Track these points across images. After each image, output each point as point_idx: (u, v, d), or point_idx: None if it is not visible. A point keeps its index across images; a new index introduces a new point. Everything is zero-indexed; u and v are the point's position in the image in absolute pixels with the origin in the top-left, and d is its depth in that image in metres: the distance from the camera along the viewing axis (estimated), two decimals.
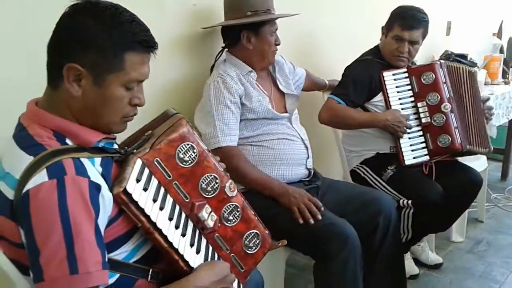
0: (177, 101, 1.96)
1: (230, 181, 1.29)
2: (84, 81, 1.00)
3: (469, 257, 2.68)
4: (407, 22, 2.28)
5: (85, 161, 0.99)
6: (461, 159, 2.48)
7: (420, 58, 3.56)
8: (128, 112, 1.09)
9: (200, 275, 1.08)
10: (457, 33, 3.95)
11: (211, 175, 1.23)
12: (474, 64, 3.52)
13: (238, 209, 1.30)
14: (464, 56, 3.60)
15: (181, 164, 1.17)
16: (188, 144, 1.18)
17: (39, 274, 0.88)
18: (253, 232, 1.34)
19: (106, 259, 0.94)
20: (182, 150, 1.17)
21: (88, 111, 1.04)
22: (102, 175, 1.01)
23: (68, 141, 1.02)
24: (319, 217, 1.70)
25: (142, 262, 1.11)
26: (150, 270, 1.11)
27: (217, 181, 1.24)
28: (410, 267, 2.46)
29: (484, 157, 2.94)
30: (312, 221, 1.69)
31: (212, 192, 1.23)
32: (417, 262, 2.55)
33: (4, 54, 1.42)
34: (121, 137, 1.25)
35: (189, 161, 1.18)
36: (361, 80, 2.30)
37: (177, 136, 1.16)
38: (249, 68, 1.93)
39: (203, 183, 1.21)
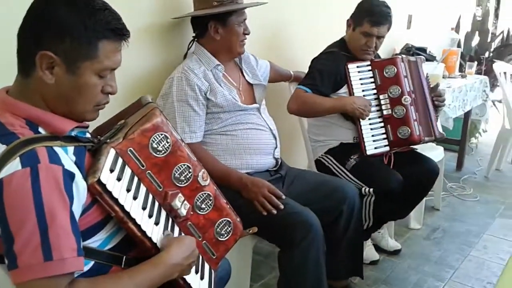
0: (148, 91, 1.94)
1: (203, 170, 1.31)
2: (57, 69, 1.00)
3: (426, 244, 2.80)
4: (376, 18, 2.33)
5: (59, 150, 0.99)
6: (419, 150, 2.58)
7: (381, 51, 3.63)
8: (100, 100, 1.09)
9: (171, 252, 1.09)
10: (417, 27, 4.06)
11: (184, 165, 1.24)
12: (433, 58, 3.66)
13: (211, 198, 1.32)
14: (423, 50, 3.75)
15: (154, 154, 1.17)
16: (161, 134, 1.18)
17: (13, 261, 0.88)
18: (225, 220, 1.36)
19: (81, 246, 0.95)
20: (156, 140, 1.17)
21: (61, 99, 1.03)
22: (76, 163, 1.01)
23: (41, 129, 1.01)
24: (281, 206, 1.74)
25: (116, 249, 1.12)
26: (124, 258, 1.12)
27: (190, 170, 1.26)
28: (371, 253, 2.56)
29: (441, 148, 3.06)
30: (274, 212, 1.73)
31: (185, 181, 1.25)
32: (377, 248, 2.64)
33: None
34: (92, 125, 1.25)
35: (163, 151, 1.19)
36: (328, 71, 2.35)
37: (150, 126, 1.17)
38: (217, 61, 1.94)
39: (176, 172, 1.23)
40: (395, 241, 2.72)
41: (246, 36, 1.98)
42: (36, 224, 0.88)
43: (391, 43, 3.77)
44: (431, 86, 2.55)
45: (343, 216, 1.99)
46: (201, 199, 1.30)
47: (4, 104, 1.02)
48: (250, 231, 1.50)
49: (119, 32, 1.05)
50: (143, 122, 1.17)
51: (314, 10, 2.94)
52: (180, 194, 1.23)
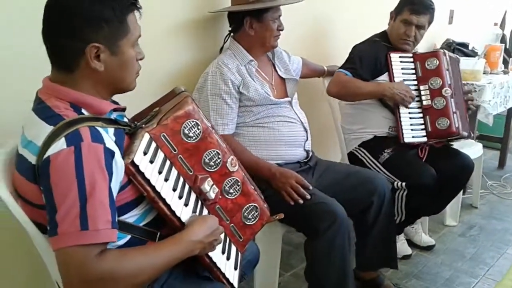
0: (184, 84, 2.01)
1: (232, 156, 1.37)
2: (103, 56, 1.10)
3: (461, 240, 2.77)
4: (416, 7, 2.38)
5: (100, 130, 1.07)
6: (456, 146, 2.56)
7: (422, 46, 3.61)
8: (138, 68, 1.21)
9: (193, 229, 1.16)
10: (459, 22, 4.00)
11: (214, 151, 1.31)
12: (475, 53, 3.59)
13: (239, 183, 1.39)
14: (465, 45, 3.68)
15: (186, 140, 1.25)
16: (193, 121, 1.26)
17: (54, 229, 0.97)
18: (252, 205, 1.42)
19: (116, 220, 1.03)
20: (187, 127, 1.25)
21: (112, 80, 1.14)
22: (116, 143, 1.10)
23: (83, 111, 1.11)
24: (308, 197, 1.79)
25: (150, 226, 1.20)
26: (158, 234, 1.20)
27: (220, 156, 1.32)
28: (404, 247, 2.56)
29: (480, 145, 3.02)
30: (301, 201, 1.78)
31: (214, 166, 1.32)
32: (411, 243, 2.64)
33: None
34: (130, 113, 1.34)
35: (194, 137, 1.26)
36: (368, 57, 2.39)
37: (182, 113, 1.24)
38: (250, 57, 2.01)
39: (206, 157, 1.30)
40: (429, 236, 2.71)
41: (281, 32, 2.03)
42: (77, 196, 0.96)
43: (431, 38, 3.73)
44: (465, 88, 2.57)
45: (373, 208, 2.01)
46: (230, 184, 1.36)
47: (49, 89, 1.12)
48: (277, 217, 1.56)
49: (136, 3, 1.15)
50: (176, 110, 1.25)
51: (354, 6, 2.96)
52: (209, 179, 1.30)
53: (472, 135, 2.55)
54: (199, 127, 1.27)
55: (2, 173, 1.16)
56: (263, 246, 1.94)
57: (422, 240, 2.66)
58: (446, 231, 2.87)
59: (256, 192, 1.45)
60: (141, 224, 1.18)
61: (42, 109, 1.09)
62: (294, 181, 1.83)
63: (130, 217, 1.16)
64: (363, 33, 2.58)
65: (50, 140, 1.01)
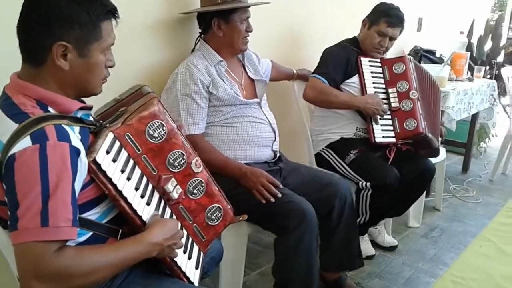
0: (154, 84, 2.05)
1: (197, 158, 1.40)
2: (70, 55, 1.11)
3: (423, 242, 2.86)
4: (392, 20, 2.48)
5: (67, 128, 1.08)
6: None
7: (390, 52, 3.71)
8: (105, 74, 1.22)
9: (153, 231, 1.18)
10: (428, 30, 4.10)
11: (178, 152, 1.33)
12: (441, 60, 3.70)
13: (203, 184, 1.41)
14: (432, 52, 3.79)
15: (150, 140, 1.27)
16: (158, 122, 1.27)
17: (15, 224, 0.98)
18: (215, 206, 1.45)
19: (77, 218, 1.04)
20: (152, 127, 1.27)
21: (76, 81, 1.15)
22: (81, 141, 1.11)
23: (50, 109, 1.11)
24: (279, 195, 1.83)
25: (113, 223, 1.21)
26: (120, 231, 1.22)
27: (184, 157, 1.35)
28: (367, 248, 2.62)
29: (443, 149, 3.11)
30: (272, 200, 1.82)
31: (178, 167, 1.34)
32: (374, 244, 2.71)
33: None
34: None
35: (158, 138, 1.28)
36: (340, 60, 2.48)
37: (147, 114, 1.26)
38: (220, 58, 2.03)
39: (171, 158, 1.32)
40: (392, 237, 2.78)
41: (249, 33, 2.06)
42: (40, 193, 0.98)
43: (400, 44, 3.79)
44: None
45: (335, 211, 2.06)
46: (193, 184, 1.39)
47: (17, 86, 1.12)
48: (240, 218, 1.59)
49: (113, 12, 1.17)
50: (141, 110, 1.27)
51: (327, 8, 3.02)
52: (173, 179, 1.32)
53: (439, 150, 2.65)
54: (164, 128, 1.29)
55: None
56: (229, 244, 1.97)
57: (385, 241, 2.73)
58: (409, 232, 2.96)
59: (220, 193, 1.48)
60: (103, 221, 1.20)
61: (8, 106, 1.09)
62: (265, 180, 1.87)
63: (92, 215, 1.17)
64: (333, 38, 2.65)
65: (15, 137, 1.01)
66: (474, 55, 4.61)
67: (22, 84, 1.12)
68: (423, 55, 3.70)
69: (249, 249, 2.34)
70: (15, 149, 1.00)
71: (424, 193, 2.93)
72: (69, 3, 1.09)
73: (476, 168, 4.13)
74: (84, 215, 1.14)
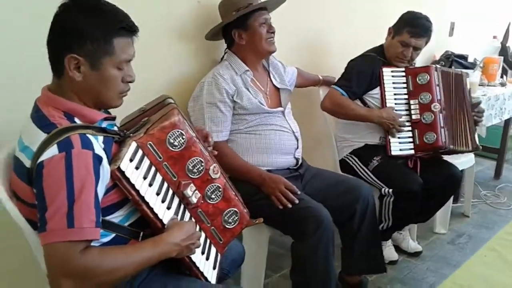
0: (181, 93, 2.16)
1: (214, 164, 1.48)
2: (83, 68, 1.20)
3: (449, 248, 2.85)
4: (416, 30, 2.46)
5: (91, 137, 1.19)
6: (446, 156, 2.65)
7: (421, 57, 3.71)
8: (122, 88, 1.29)
9: (172, 233, 1.27)
10: (460, 34, 4.06)
11: (197, 159, 1.42)
12: (473, 65, 3.66)
13: (220, 189, 1.49)
14: (463, 57, 3.75)
15: (171, 148, 1.36)
16: (178, 131, 1.37)
17: (43, 226, 1.08)
18: (232, 210, 1.53)
19: (100, 220, 1.14)
20: (172, 136, 1.36)
21: (90, 92, 1.24)
22: (104, 150, 1.21)
23: (76, 119, 1.22)
24: (296, 201, 1.89)
25: (134, 226, 1.31)
26: (141, 233, 1.31)
27: (202, 164, 1.43)
28: (390, 253, 2.65)
29: (472, 155, 3.09)
30: (289, 206, 1.88)
31: (197, 173, 1.43)
32: (398, 249, 2.73)
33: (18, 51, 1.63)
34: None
35: (178, 146, 1.37)
36: (364, 73, 2.50)
37: (168, 124, 1.35)
38: (246, 67, 2.11)
39: (190, 165, 1.41)
40: (417, 243, 2.79)
41: (272, 34, 2.12)
42: (66, 198, 1.08)
43: (431, 49, 3.82)
44: (473, 102, 2.65)
45: (357, 215, 2.10)
46: (211, 190, 1.47)
47: (47, 98, 1.24)
48: (257, 221, 1.66)
49: (129, 29, 1.24)
50: (162, 120, 1.36)
51: (353, 18, 3.06)
52: (192, 184, 1.41)
53: (480, 147, 2.63)
54: (184, 137, 1.38)
55: (1, 174, 1.28)
56: (251, 247, 2.06)
57: (410, 246, 2.75)
58: (435, 238, 2.95)
59: (236, 198, 1.56)
60: (125, 224, 1.30)
61: (39, 118, 1.20)
62: (283, 186, 1.93)
63: (115, 217, 1.27)
64: (359, 46, 2.68)
65: (43, 146, 1.12)
66: (510, 59, 4.51)
67: (51, 96, 1.23)
68: (455, 60, 3.67)
69: (272, 252, 2.42)
70: (44, 156, 1.11)
71: (452, 199, 2.92)
72: (83, 18, 1.18)
73: (509, 174, 4.06)
74: (107, 218, 1.24)
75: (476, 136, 2.63)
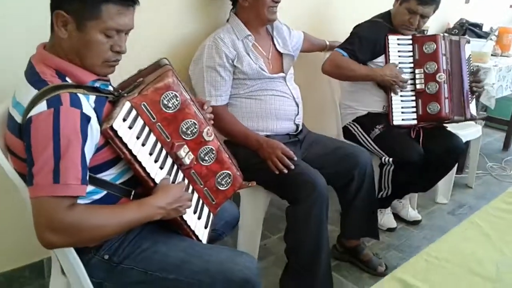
0: (184, 55, 2.16)
1: (208, 127, 1.50)
2: (69, 26, 1.22)
3: (448, 218, 2.87)
4: None
5: (81, 96, 1.21)
6: (453, 126, 2.63)
7: (435, 24, 3.65)
8: (109, 57, 1.28)
9: (157, 196, 1.30)
10: (477, 2, 3.95)
11: (190, 121, 1.44)
12: (487, 35, 3.58)
13: (214, 152, 1.52)
14: (478, 26, 3.67)
15: (164, 109, 1.38)
16: (172, 93, 1.38)
17: (31, 180, 1.12)
18: (225, 172, 1.56)
19: (86, 177, 1.17)
20: (166, 98, 1.38)
21: (74, 52, 1.25)
22: (94, 109, 1.23)
23: (68, 79, 1.25)
24: (292, 167, 1.91)
25: (126, 184, 1.35)
26: (133, 192, 1.35)
27: (196, 126, 1.45)
28: (389, 220, 2.68)
29: (479, 126, 3.07)
30: (285, 171, 1.91)
31: (191, 135, 1.45)
32: (398, 217, 2.77)
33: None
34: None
35: (172, 107, 1.39)
36: (367, 39, 2.46)
37: (162, 85, 1.37)
38: (248, 32, 2.09)
39: (184, 127, 1.43)
40: (417, 212, 2.82)
41: (276, 3, 2.09)
42: (52, 153, 1.11)
43: (445, 17, 3.73)
44: (473, 70, 2.59)
45: (355, 181, 2.13)
46: (205, 152, 1.50)
47: (40, 56, 1.27)
48: (249, 184, 1.69)
49: None
50: (157, 81, 1.38)
51: None
52: (185, 146, 1.44)
53: (476, 117, 2.61)
54: (178, 99, 1.40)
55: None
56: (249, 209, 2.11)
57: (409, 215, 2.78)
58: (435, 208, 2.97)
59: (230, 161, 1.58)
60: (117, 182, 1.33)
61: (31, 74, 1.23)
62: (280, 152, 1.95)
63: (108, 175, 1.31)
64: (366, 10, 2.64)
65: (34, 102, 1.15)
66: None
67: (43, 53, 1.25)
68: (468, 28, 3.59)
69: (272, 214, 2.48)
70: (33, 112, 1.14)
71: (455, 169, 2.92)
72: None
73: None
74: (99, 175, 1.28)
75: (473, 105, 2.59)
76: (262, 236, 2.37)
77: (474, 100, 2.61)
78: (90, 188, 1.26)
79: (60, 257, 1.35)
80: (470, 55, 2.61)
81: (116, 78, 1.45)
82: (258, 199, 2.10)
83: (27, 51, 1.32)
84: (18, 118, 1.19)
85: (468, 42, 2.62)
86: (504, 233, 1.51)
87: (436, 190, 2.98)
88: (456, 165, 2.94)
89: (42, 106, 1.14)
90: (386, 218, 2.66)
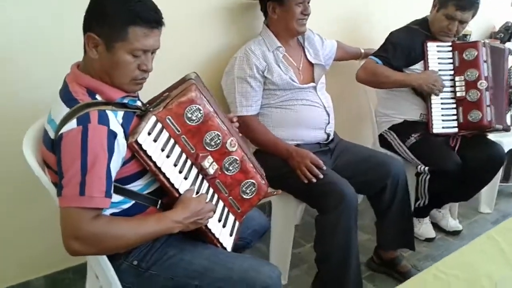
0: (217, 67, 2.23)
1: (232, 138, 1.55)
2: (99, 47, 1.31)
3: (491, 228, 2.76)
4: (462, 3, 2.36)
5: (109, 113, 1.30)
6: (496, 134, 2.56)
7: (480, 28, 3.56)
8: (136, 75, 1.36)
9: (176, 211, 1.36)
10: None
11: (214, 132, 1.49)
12: None
13: (238, 162, 1.57)
14: None
15: (188, 122, 1.44)
16: (195, 106, 1.44)
17: (60, 190, 1.21)
18: (250, 181, 1.60)
19: (111, 191, 1.25)
20: (190, 111, 1.44)
21: (104, 71, 1.34)
22: (122, 125, 1.32)
23: (98, 96, 1.33)
24: (321, 176, 1.93)
25: (153, 194, 1.42)
26: (160, 201, 1.42)
27: (220, 137, 1.51)
28: (428, 230, 2.63)
29: None
30: (314, 180, 1.93)
31: (214, 146, 1.51)
32: (438, 227, 2.71)
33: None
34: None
35: (196, 120, 1.45)
36: (402, 45, 2.44)
37: (186, 99, 1.43)
38: (278, 43, 2.14)
39: (207, 138, 1.49)
40: (457, 222, 2.74)
41: (306, 16, 2.13)
42: (79, 168, 1.20)
43: (491, 20, 3.63)
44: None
45: (387, 190, 2.12)
46: (229, 162, 1.55)
47: (73, 75, 1.37)
48: (275, 193, 1.73)
49: (147, 20, 1.31)
50: (180, 96, 1.44)
51: None
52: (209, 157, 1.50)
53: (509, 127, 2.52)
54: (201, 112, 1.46)
55: (32, 145, 1.42)
56: (280, 217, 2.14)
57: (449, 225, 2.71)
58: (478, 218, 2.89)
59: (254, 170, 1.62)
60: (144, 192, 1.41)
61: (65, 92, 1.33)
62: (309, 161, 1.98)
63: (135, 186, 1.39)
64: (402, 17, 2.62)
65: (65, 120, 1.25)
66: None
67: (77, 73, 1.35)
68: None
69: (307, 222, 2.50)
70: (64, 129, 1.23)
71: (498, 177, 2.83)
72: (110, 4, 1.28)
73: None
74: (127, 186, 1.36)
75: (509, 116, 2.52)
76: (296, 244, 2.40)
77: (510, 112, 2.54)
78: (119, 198, 1.35)
79: (93, 263, 1.44)
80: (511, 66, 2.54)
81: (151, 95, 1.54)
82: (289, 207, 2.13)
83: (63, 71, 1.42)
84: (52, 134, 1.29)
85: (511, 53, 2.55)
86: None
87: (479, 199, 2.89)
88: (501, 173, 2.85)
89: (72, 123, 1.23)
90: (424, 228, 2.61)
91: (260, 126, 2.10)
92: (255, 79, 2.08)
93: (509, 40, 3.45)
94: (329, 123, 2.21)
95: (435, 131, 2.43)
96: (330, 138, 2.22)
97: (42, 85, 1.79)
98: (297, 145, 2.10)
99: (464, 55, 2.44)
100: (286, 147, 2.05)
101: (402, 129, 2.52)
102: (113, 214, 1.35)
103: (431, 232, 2.63)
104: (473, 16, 2.43)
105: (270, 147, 2.06)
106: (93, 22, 1.30)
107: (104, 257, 1.38)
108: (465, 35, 3.25)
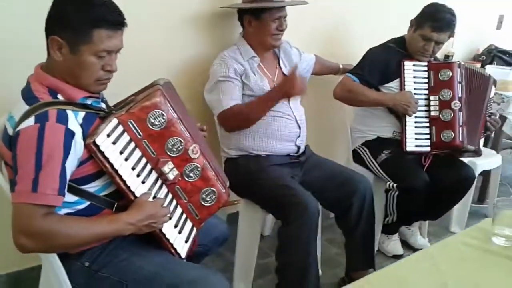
0: (193, 76, 2.24)
1: (195, 145, 1.56)
2: (64, 50, 1.32)
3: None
4: (437, 24, 2.39)
5: (69, 113, 1.31)
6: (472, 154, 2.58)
7: (465, 50, 3.60)
8: (101, 76, 1.38)
9: (130, 213, 1.37)
10: (509, 28, 3.86)
11: (176, 139, 1.50)
12: None
13: (199, 169, 1.57)
14: (507, 53, 3.59)
15: (151, 127, 1.45)
16: (159, 112, 1.45)
17: (13, 186, 1.22)
18: (210, 189, 1.61)
19: (65, 190, 1.26)
20: (153, 116, 1.44)
21: (68, 73, 1.35)
22: (81, 125, 1.32)
23: (59, 96, 1.34)
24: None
25: (109, 197, 1.43)
26: (116, 204, 1.43)
27: (182, 144, 1.51)
28: (396, 247, 2.65)
29: (499, 156, 2.99)
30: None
31: (176, 152, 1.51)
32: (406, 244, 2.73)
33: None
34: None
35: (158, 125, 1.46)
36: (378, 63, 2.48)
37: (149, 104, 1.44)
38: (253, 53, 2.16)
39: (169, 144, 1.49)
40: (427, 241, 2.76)
41: (281, 32, 2.15)
42: (34, 165, 1.21)
43: (476, 42, 3.68)
44: (492, 110, 2.58)
45: (354, 208, 2.13)
46: (190, 168, 1.55)
47: (36, 75, 1.38)
48: (235, 202, 1.74)
49: (111, 23, 1.33)
50: (145, 100, 1.45)
51: (373, 8, 3.03)
52: (170, 162, 1.50)
53: (481, 151, 2.56)
54: (164, 117, 1.46)
55: None
56: (245, 227, 2.15)
57: (417, 242, 2.73)
58: (448, 237, 2.89)
59: (216, 178, 1.62)
60: (101, 194, 1.41)
61: (26, 91, 1.34)
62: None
63: (92, 187, 1.39)
64: (381, 34, 2.65)
65: (24, 117, 1.26)
66: None
67: (39, 73, 1.36)
68: (496, 55, 3.52)
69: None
70: (21, 126, 1.24)
71: (470, 198, 2.87)
72: (71, 8, 1.30)
73: None
74: (83, 187, 1.36)
75: (481, 140, 2.56)
76: (264, 254, 2.41)
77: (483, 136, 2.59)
78: (74, 198, 1.35)
79: (44, 262, 1.44)
80: (493, 96, 2.59)
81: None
82: (255, 218, 2.14)
83: (27, 71, 1.42)
84: (10, 131, 1.30)
85: (495, 84, 2.59)
86: (455, 267, 1.43)
87: (450, 218, 2.91)
88: (476, 194, 2.88)
89: (30, 121, 1.24)
90: (392, 245, 2.63)
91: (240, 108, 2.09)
92: (235, 78, 2.09)
93: (490, 63, 3.50)
94: (299, 136, 2.22)
95: (408, 149, 2.45)
96: (301, 151, 2.23)
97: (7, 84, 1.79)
98: (267, 156, 2.11)
99: (439, 75, 2.47)
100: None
101: (375, 145, 2.54)
102: (67, 214, 1.35)
103: (399, 249, 2.65)
104: (449, 38, 2.47)
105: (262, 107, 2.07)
106: (55, 26, 1.31)
107: (56, 257, 1.38)
108: (447, 56, 3.30)
